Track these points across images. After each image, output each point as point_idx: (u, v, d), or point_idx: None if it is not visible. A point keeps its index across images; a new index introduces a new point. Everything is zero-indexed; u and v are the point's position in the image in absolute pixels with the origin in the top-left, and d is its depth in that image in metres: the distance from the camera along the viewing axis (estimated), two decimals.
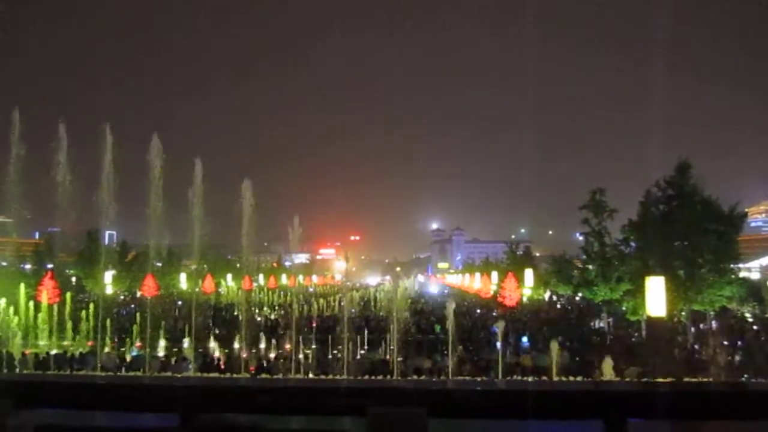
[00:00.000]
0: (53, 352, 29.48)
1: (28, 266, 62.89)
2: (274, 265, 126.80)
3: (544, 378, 22.06)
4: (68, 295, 41.44)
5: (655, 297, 23.56)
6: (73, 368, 25.49)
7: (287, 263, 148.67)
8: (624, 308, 36.09)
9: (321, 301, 61.70)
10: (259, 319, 47.24)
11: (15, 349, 30.14)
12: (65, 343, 33.51)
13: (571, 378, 21.18)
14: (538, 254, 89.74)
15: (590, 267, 41.17)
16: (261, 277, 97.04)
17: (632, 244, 36.96)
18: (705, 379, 20.92)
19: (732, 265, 31.53)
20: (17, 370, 24.92)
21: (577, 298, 53.39)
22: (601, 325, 41.13)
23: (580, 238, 42.81)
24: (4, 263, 66.99)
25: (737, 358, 26.91)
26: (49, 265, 60.35)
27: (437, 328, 39.30)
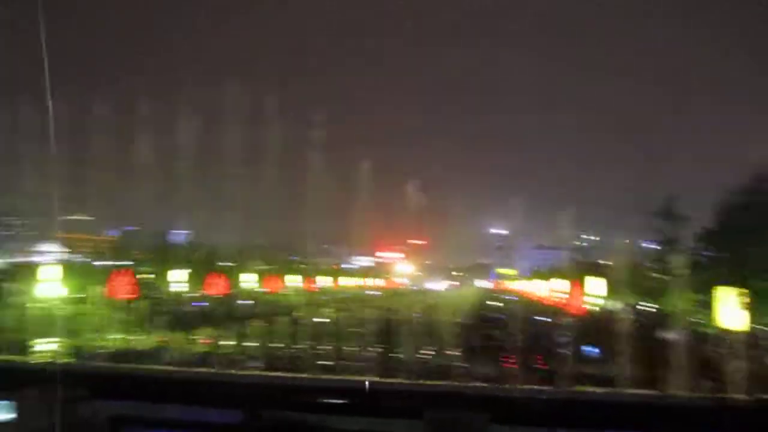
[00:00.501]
0: (127, 345, 30.67)
1: (105, 263, 65.58)
2: (339, 266, 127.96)
3: (610, 389, 21.50)
4: (141, 291, 43.04)
5: (729, 309, 22.64)
6: (145, 362, 26.43)
7: (350, 265, 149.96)
8: (696, 320, 34.76)
9: (383, 304, 61.91)
10: (320, 319, 47.78)
11: (91, 342, 31.52)
12: (138, 337, 34.76)
13: (638, 390, 20.57)
14: (606, 262, 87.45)
15: (662, 276, 39.89)
16: (323, 278, 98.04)
17: (707, 252, 35.62)
18: None
19: None
20: (92, 362, 26.03)
21: (647, 308, 51.73)
22: (672, 336, 39.73)
23: (652, 245, 41.55)
24: (83, 259, 70.22)
25: None
26: (125, 262, 62.82)
27: (500, 333, 38.84)
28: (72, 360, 26.81)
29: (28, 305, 38.94)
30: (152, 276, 66.29)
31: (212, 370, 23.08)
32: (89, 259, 73.18)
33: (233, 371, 23.99)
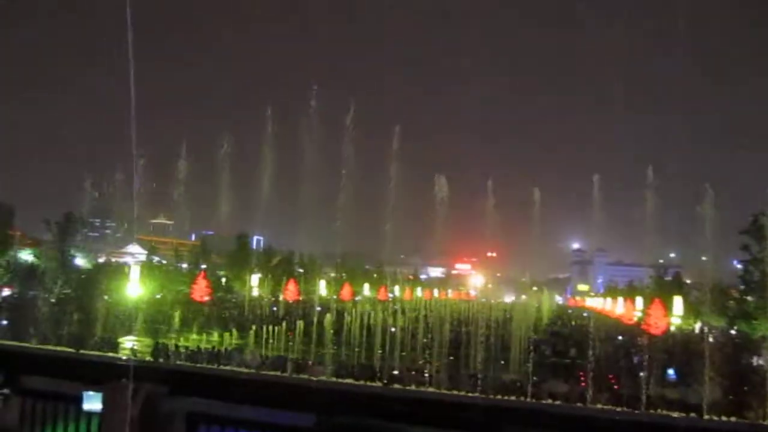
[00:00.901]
0: (203, 346, 31.60)
1: (184, 265, 67.78)
2: (410, 277, 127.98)
3: (693, 415, 20.50)
4: (219, 294, 44.24)
5: None
6: (221, 362, 27.14)
7: (424, 276, 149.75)
8: None
9: (455, 316, 61.48)
10: (393, 329, 47.85)
11: (171, 341, 32.66)
12: (214, 338, 35.80)
13: (724, 418, 19.51)
14: (689, 281, 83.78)
15: (749, 298, 37.86)
16: (397, 288, 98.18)
17: None
18: None
19: None
20: (172, 360, 26.94)
21: (733, 332, 49.25)
22: (761, 362, 37.62)
23: (739, 265, 39.52)
24: (164, 262, 72.89)
25: None
26: (203, 266, 64.83)
27: (573, 352, 37.87)
28: (153, 357, 27.86)
29: (113, 304, 40.78)
30: (228, 279, 68.10)
31: (285, 374, 23.46)
32: (170, 262, 75.93)
33: (305, 376, 24.29)
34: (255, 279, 63.68)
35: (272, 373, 23.32)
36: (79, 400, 7.66)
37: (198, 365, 24.84)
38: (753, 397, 23.52)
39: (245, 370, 23.25)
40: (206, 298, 47.99)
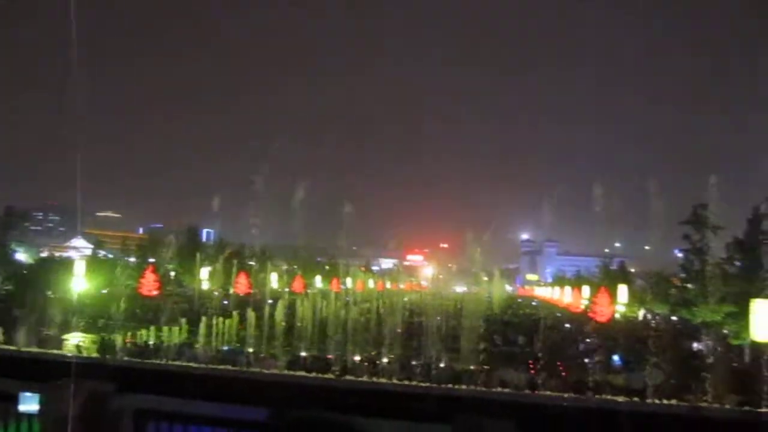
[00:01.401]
0: (152, 341, 30.99)
1: (132, 259, 66.36)
2: (363, 269, 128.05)
3: (636, 399, 21.14)
4: (167, 289, 43.47)
5: (762, 321, 22.13)
6: (170, 358, 26.69)
7: (376, 268, 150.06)
8: (726, 331, 34.09)
9: (408, 307, 61.82)
10: (346, 321, 47.83)
11: (118, 337, 31.92)
12: (163, 333, 35.12)
13: (665, 401, 20.18)
14: (633, 270, 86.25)
15: (690, 286, 39.15)
16: (349, 280, 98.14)
17: (737, 263, 34.88)
18: None
19: None
20: (119, 357, 26.35)
21: (674, 318, 50.95)
22: (700, 347, 39.03)
23: (680, 255, 40.82)
24: (111, 256, 71.18)
25: None
26: (151, 260, 63.53)
27: (522, 340, 38.61)
28: (99, 354, 27.19)
29: (57, 300, 39.62)
30: (177, 273, 66.93)
31: (236, 368, 23.22)
32: (117, 256, 74.18)
33: (257, 369, 24.12)
34: (205, 272, 62.72)
35: (223, 367, 23.06)
36: (19, 400, 7.44)
37: (146, 361, 24.40)
38: (693, 380, 24.35)
39: (195, 365, 22.95)
40: (155, 293, 47.10)
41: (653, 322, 61.83)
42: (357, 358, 31.09)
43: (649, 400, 20.50)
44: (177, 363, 24.78)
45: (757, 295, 23.80)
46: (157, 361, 25.40)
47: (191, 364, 24.13)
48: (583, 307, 65.11)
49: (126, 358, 25.69)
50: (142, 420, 7.13)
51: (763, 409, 17.62)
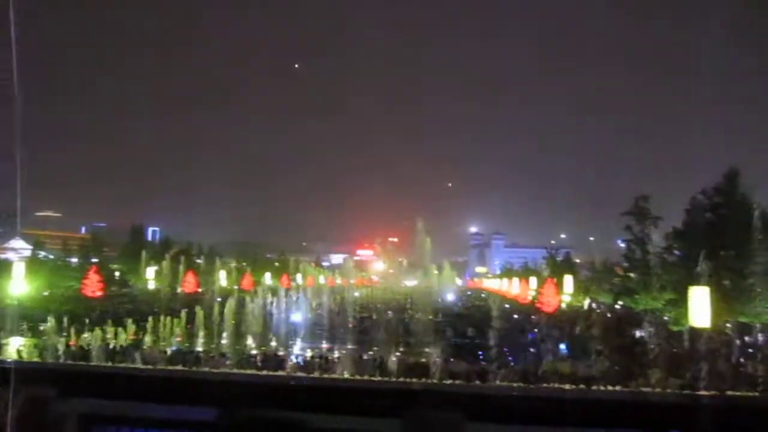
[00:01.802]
0: (97, 344, 30.19)
1: (75, 260, 64.51)
2: (313, 264, 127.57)
3: (582, 386, 21.71)
4: (113, 289, 42.44)
5: (699, 307, 23.01)
6: (116, 360, 26.09)
7: (326, 263, 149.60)
8: (666, 318, 35.28)
9: (358, 301, 61.95)
10: (296, 317, 47.61)
11: (61, 340, 31.00)
12: (108, 335, 34.31)
13: (610, 387, 20.79)
14: (578, 261, 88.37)
15: (632, 275, 40.36)
16: (299, 276, 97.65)
17: (676, 252, 36.12)
18: (750, 393, 20.31)
19: None
20: (62, 360, 25.61)
21: (618, 307, 52.45)
22: (642, 334, 40.29)
23: (622, 245, 42.03)
24: (52, 256, 68.98)
25: None
26: (94, 260, 61.86)
27: (471, 331, 39.14)
28: (41, 358, 26.36)
29: None
30: (122, 273, 65.41)
31: (185, 369, 22.86)
32: (59, 257, 71.98)
33: (206, 369, 23.80)
34: (151, 271, 61.45)
35: (171, 368, 22.67)
36: None
37: (90, 364, 23.80)
38: (636, 367, 25.14)
39: (142, 367, 22.49)
40: (99, 294, 45.92)
41: (597, 311, 63.65)
42: (308, 354, 31.02)
43: (594, 387, 21.10)
44: (123, 365, 24.26)
45: (695, 283, 24.70)
46: (102, 364, 24.82)
47: (137, 365, 23.67)
48: (530, 297, 66.33)
49: (69, 362, 25.01)
50: (87, 425, 6.96)
51: (702, 392, 18.30)
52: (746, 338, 34.06)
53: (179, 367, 23.80)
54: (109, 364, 25.11)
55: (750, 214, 30.02)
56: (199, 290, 61.54)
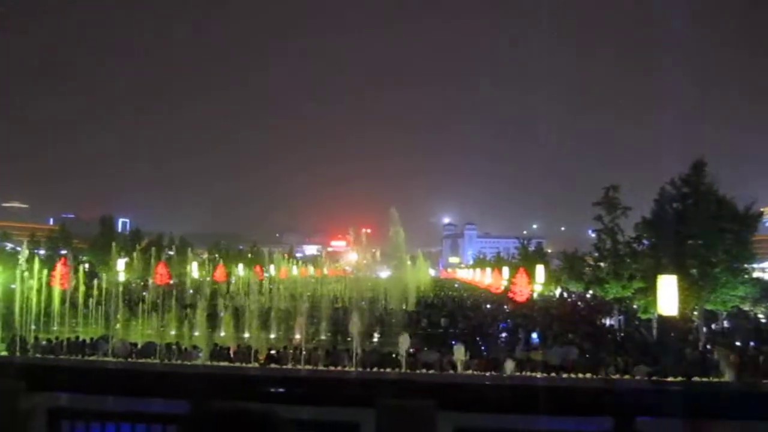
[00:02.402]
0: (66, 337, 29.77)
1: (43, 252, 63.45)
2: (286, 256, 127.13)
3: (554, 374, 22.01)
4: (81, 281, 41.84)
5: (667, 296, 23.43)
6: (86, 353, 25.77)
7: (299, 254, 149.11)
8: (636, 306, 35.89)
9: (332, 292, 61.93)
10: (269, 308, 47.47)
11: (28, 333, 30.50)
12: (78, 327, 33.88)
13: (581, 375, 21.12)
14: (550, 250, 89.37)
15: (602, 264, 40.93)
16: (272, 267, 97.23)
17: (645, 241, 36.71)
18: (716, 379, 20.80)
19: (746, 265, 31.28)
20: (30, 353, 25.21)
21: (589, 296, 53.20)
22: (612, 322, 40.95)
23: (593, 235, 42.58)
24: (18, 248, 67.73)
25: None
26: (63, 251, 60.87)
27: (444, 321, 39.37)
28: (8, 352, 25.94)
29: None
30: (92, 265, 64.54)
31: (156, 361, 22.68)
32: (25, 248, 70.67)
33: (178, 362, 23.63)
34: (121, 263, 60.70)
35: (143, 361, 22.48)
36: None
37: (60, 357, 23.47)
38: (606, 354, 25.58)
39: (113, 360, 22.26)
40: (68, 285, 45.28)
41: (569, 299, 64.49)
42: (281, 345, 30.95)
43: (564, 375, 21.41)
44: (93, 358, 23.99)
45: (663, 272, 25.14)
46: (71, 357, 24.49)
47: (108, 358, 23.42)
48: (503, 287, 66.97)
49: (37, 355, 24.64)
50: (56, 419, 6.86)
51: (669, 379, 18.66)
52: (713, 326, 34.82)
53: (151, 360, 23.64)
54: (79, 357, 24.80)
55: (716, 203, 30.65)
56: (171, 282, 60.98)
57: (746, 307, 34.64)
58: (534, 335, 32.52)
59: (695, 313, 31.84)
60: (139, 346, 27.90)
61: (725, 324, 34.85)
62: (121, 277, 60.14)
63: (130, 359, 23.78)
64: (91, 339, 28.70)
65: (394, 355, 24.67)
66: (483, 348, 29.53)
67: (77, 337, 29.34)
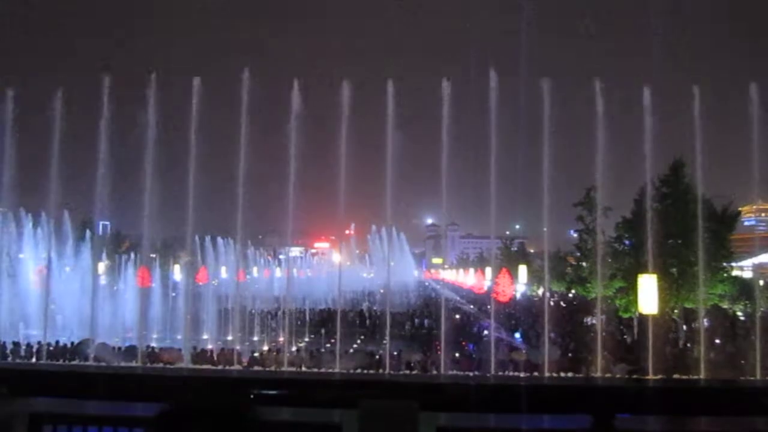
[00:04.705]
0: (48, 340, 29.42)
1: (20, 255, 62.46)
2: (269, 257, 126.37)
3: (536, 374, 22.17)
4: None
5: (648, 295, 23.70)
6: (67, 358, 25.49)
7: (283, 255, 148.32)
8: (617, 305, 36.18)
9: (316, 293, 61.73)
10: (252, 311, 47.24)
11: (9, 337, 30.09)
12: (59, 331, 33.47)
13: (562, 374, 21.30)
14: (532, 251, 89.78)
15: (584, 264, 41.21)
16: (255, 269, 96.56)
17: (626, 241, 37.03)
18: (696, 377, 21.07)
19: (725, 264, 31.68)
20: (10, 358, 24.90)
21: (571, 295, 53.58)
22: (594, 322, 41.21)
23: (575, 235, 42.84)
24: None
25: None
26: (43, 255, 59.99)
27: (427, 322, 39.47)
28: None
29: None
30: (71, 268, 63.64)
31: (137, 365, 22.51)
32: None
33: (158, 365, 23.47)
34: (101, 267, 59.93)
35: (124, 365, 22.29)
36: None
37: (40, 362, 23.23)
38: (588, 353, 25.78)
39: (94, 364, 22.05)
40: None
41: (551, 299, 64.84)
42: (265, 348, 30.85)
43: (547, 374, 21.59)
44: (74, 363, 23.74)
45: (643, 271, 25.42)
46: (53, 362, 24.23)
47: (90, 364, 23.19)
48: (485, 288, 67.24)
49: (18, 360, 24.35)
50: (38, 425, 6.83)
51: (649, 377, 18.91)
52: (693, 324, 35.18)
53: (133, 364, 23.45)
54: (60, 361, 24.56)
55: (694, 203, 31.02)
56: (153, 285, 60.39)
57: (725, 305, 35.09)
58: (517, 335, 32.74)
59: (675, 311, 32.19)
60: (122, 349, 27.69)
61: (705, 322, 35.29)
62: (102, 281, 59.45)
63: (111, 364, 23.59)
64: (72, 343, 28.38)
65: (377, 357, 24.69)
66: (470, 347, 29.67)
67: (57, 342, 29.01)
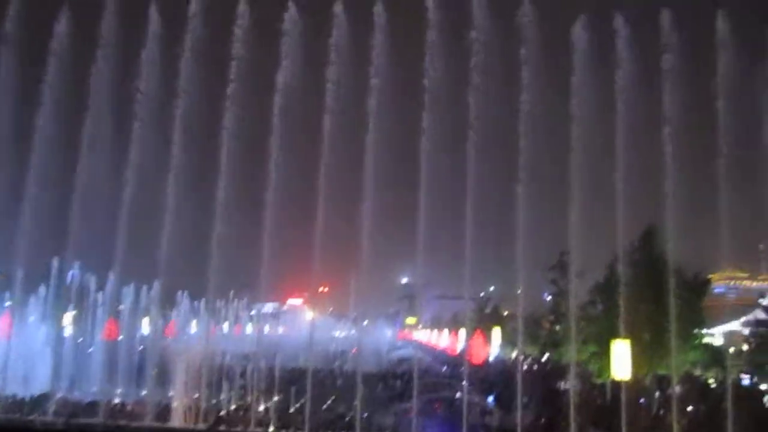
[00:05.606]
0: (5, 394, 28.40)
1: None
2: (240, 313, 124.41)
3: None
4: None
5: (621, 360, 23.71)
6: (25, 412, 24.58)
7: (254, 312, 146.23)
8: (590, 370, 36.04)
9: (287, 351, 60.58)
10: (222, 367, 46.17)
11: None
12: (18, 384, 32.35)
13: None
14: (506, 313, 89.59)
15: (557, 327, 41.21)
16: (225, 325, 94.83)
17: (599, 306, 37.21)
18: None
19: (696, 331, 31.89)
20: None
21: (544, 359, 53.31)
22: (568, 386, 40.92)
23: (549, 298, 42.95)
24: None
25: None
26: (7, 303, 58.52)
27: (399, 384, 38.92)
28: None
29: None
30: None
31: (101, 421, 21.80)
32: None
33: (122, 422, 22.76)
34: (68, 317, 58.46)
35: (86, 420, 21.58)
36: None
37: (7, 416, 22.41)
38: (561, 419, 25.52)
39: (54, 420, 21.28)
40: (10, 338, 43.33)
41: (524, 363, 64.45)
42: (232, 406, 30.06)
43: None
44: (34, 417, 22.91)
45: (617, 336, 25.50)
46: (11, 416, 23.35)
47: (53, 419, 22.38)
48: (459, 349, 66.78)
49: None
50: None
51: None
52: (667, 390, 35.12)
53: (94, 420, 22.68)
54: (18, 416, 23.68)
55: (666, 270, 31.40)
56: (120, 338, 58.96)
57: (697, 372, 35.16)
58: (490, 399, 32.36)
59: (648, 377, 32.15)
60: (83, 403, 26.77)
61: (677, 389, 35.25)
62: (68, 332, 57.90)
63: (72, 419, 22.79)
64: (31, 397, 27.39)
65: (347, 419, 24.19)
66: (439, 409, 29.22)
67: (14, 395, 27.96)
